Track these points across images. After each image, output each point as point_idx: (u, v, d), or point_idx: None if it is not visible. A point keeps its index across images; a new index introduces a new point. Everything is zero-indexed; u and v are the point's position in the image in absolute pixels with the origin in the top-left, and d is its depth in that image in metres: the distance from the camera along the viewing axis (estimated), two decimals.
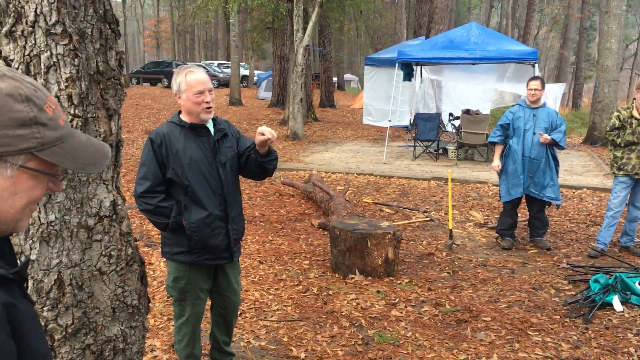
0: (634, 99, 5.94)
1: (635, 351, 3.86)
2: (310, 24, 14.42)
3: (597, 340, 4.02)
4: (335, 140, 15.14)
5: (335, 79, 33.82)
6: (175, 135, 2.82)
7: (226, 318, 3.19)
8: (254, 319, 4.23)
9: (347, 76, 45.06)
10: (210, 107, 2.82)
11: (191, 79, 2.79)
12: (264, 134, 2.75)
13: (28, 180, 0.99)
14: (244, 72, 34.91)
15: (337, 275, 5.17)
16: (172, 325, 4.00)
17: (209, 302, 3.21)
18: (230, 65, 26.43)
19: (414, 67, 13.11)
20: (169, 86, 30.67)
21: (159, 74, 31.42)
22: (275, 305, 4.49)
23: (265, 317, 4.26)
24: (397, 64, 11.89)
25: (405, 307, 4.52)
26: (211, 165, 2.87)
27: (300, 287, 4.89)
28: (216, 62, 38.36)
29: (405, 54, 11.61)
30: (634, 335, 4.11)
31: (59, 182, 1.05)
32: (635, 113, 5.76)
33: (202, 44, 58.04)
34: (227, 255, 2.97)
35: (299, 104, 14.50)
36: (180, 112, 2.93)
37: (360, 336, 3.97)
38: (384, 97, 17.13)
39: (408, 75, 12.82)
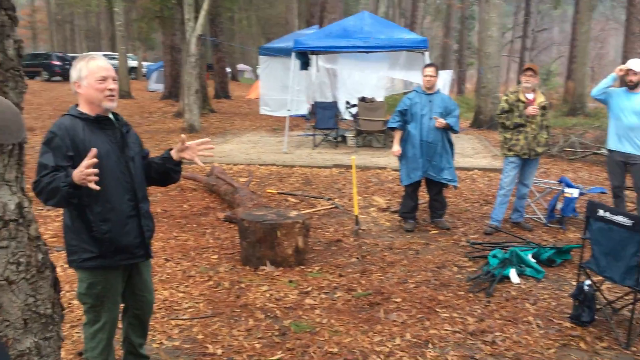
0: (519, 82, 6.34)
1: (534, 319, 4.13)
2: (202, 12, 14.05)
3: (499, 312, 4.26)
4: (234, 131, 14.93)
5: (228, 69, 33.35)
6: (79, 129, 2.61)
7: (142, 319, 3.04)
8: (165, 318, 4.07)
9: (240, 66, 44.60)
10: (113, 96, 2.66)
11: (93, 65, 2.63)
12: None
13: None
14: (132, 63, 33.49)
15: (247, 267, 5.10)
16: (76, 333, 3.77)
17: None
18: (117, 56, 25.23)
19: (310, 56, 13.17)
20: (49, 79, 28.86)
21: (37, 66, 29.25)
22: (187, 303, 4.35)
23: (177, 316, 4.11)
24: (293, 53, 11.88)
25: (319, 294, 4.54)
26: (120, 159, 2.72)
27: (211, 282, 4.77)
28: (101, 54, 36.46)
29: (301, 43, 11.63)
30: (531, 305, 4.40)
31: None
32: (521, 96, 6.14)
33: (83, 35, 54.94)
34: (142, 253, 2.83)
35: (194, 95, 14.13)
36: (77, 105, 2.74)
37: (277, 327, 3.94)
38: (280, 86, 17.11)
39: (304, 65, 12.86)
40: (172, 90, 22.24)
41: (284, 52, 15.76)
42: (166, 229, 6.21)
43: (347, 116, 13.95)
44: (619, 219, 3.76)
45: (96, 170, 2.35)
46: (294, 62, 12.00)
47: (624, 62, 13.30)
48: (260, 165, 10.04)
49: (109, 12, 33.14)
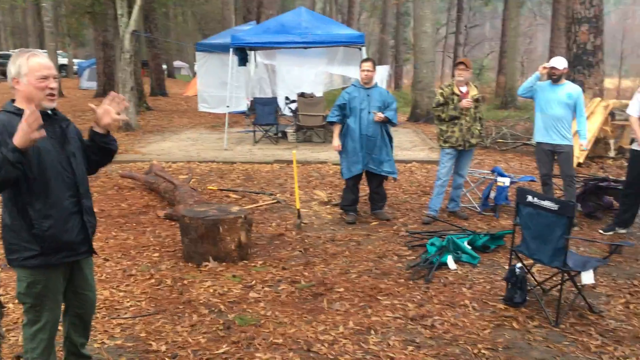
0: (453, 76, 6.54)
1: (470, 302, 4.31)
2: (136, 8, 13.71)
3: (438, 297, 4.42)
4: (172, 129, 14.68)
5: (164, 66, 32.69)
6: (16, 125, 2.54)
7: (84, 318, 2.99)
8: (106, 318, 4.00)
9: (177, 63, 43.75)
10: (54, 95, 2.62)
11: (34, 63, 2.57)
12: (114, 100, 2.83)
13: None
14: (62, 60, 32.30)
15: (190, 264, 5.06)
16: (13, 337, 3.65)
17: None
18: (46, 53, 24.30)
19: (248, 52, 13.11)
20: None
21: None
22: (128, 302, 4.28)
23: (119, 315, 4.05)
24: (231, 49, 11.79)
25: (263, 288, 4.57)
26: (60, 155, 2.67)
27: (153, 280, 4.71)
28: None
29: (239, 39, 11.56)
30: (467, 289, 4.59)
31: None
32: (455, 90, 6.35)
33: (9, 31, 52.47)
34: (85, 249, 2.79)
35: (129, 92, 13.78)
36: (13, 100, 2.67)
37: (221, 321, 3.95)
38: (218, 83, 16.92)
39: (242, 60, 12.79)
40: (105, 88, 21.61)
41: (222, 48, 15.61)
42: (104, 229, 6.07)
43: (286, 112, 13.98)
44: (546, 203, 3.96)
45: (38, 115, 2.33)
46: (232, 58, 11.92)
47: (551, 56, 13.84)
48: (200, 162, 9.93)
49: (36, 8, 31.82)
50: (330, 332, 3.81)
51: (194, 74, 24.97)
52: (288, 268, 5.02)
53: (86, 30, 27.66)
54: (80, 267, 2.87)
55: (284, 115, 14.07)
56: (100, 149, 2.88)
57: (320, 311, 4.15)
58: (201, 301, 4.28)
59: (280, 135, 12.54)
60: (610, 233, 6.05)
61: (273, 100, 12.73)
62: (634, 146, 5.96)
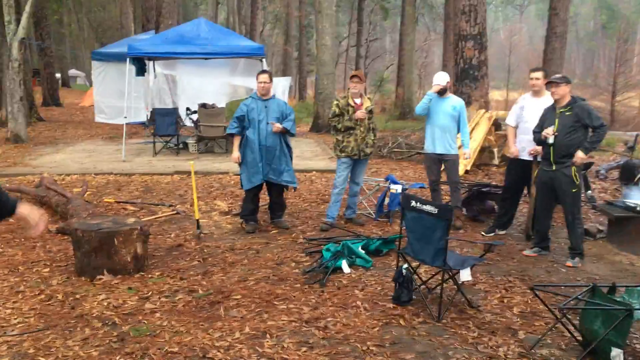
0: (348, 88, 6.83)
1: (362, 304, 4.53)
2: (25, 15, 13.11)
3: (332, 300, 4.60)
4: (66, 140, 14.10)
5: (58, 75, 31.26)
6: None
7: None
8: None
9: (73, 72, 41.93)
10: None
11: None
12: None
13: None
14: None
15: (83, 278, 4.94)
16: None
17: None
18: None
19: (147, 61, 12.88)
20: None
21: None
22: (16, 319, 4.13)
23: (5, 333, 3.90)
24: (127, 59, 11.55)
25: (159, 298, 4.56)
26: None
27: (43, 295, 4.57)
28: None
29: (135, 49, 11.35)
30: (360, 291, 4.81)
31: None
32: (350, 101, 6.63)
33: None
34: None
35: (18, 103, 13.13)
36: None
37: (115, 333, 3.91)
38: (116, 93, 16.47)
39: (140, 70, 12.56)
40: None
41: (119, 58, 15.19)
42: None
43: (188, 123, 13.84)
44: (427, 208, 4.27)
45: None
46: (129, 68, 11.67)
47: (445, 70, 14.61)
48: (97, 174, 9.64)
49: None
50: (226, 338, 3.88)
51: (91, 83, 24.07)
52: (186, 278, 5.04)
53: None
54: None
55: (185, 126, 13.93)
56: None
57: (217, 318, 4.21)
58: (94, 315, 4.21)
59: (181, 146, 12.40)
60: (491, 234, 6.54)
61: (173, 111, 12.58)
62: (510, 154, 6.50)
